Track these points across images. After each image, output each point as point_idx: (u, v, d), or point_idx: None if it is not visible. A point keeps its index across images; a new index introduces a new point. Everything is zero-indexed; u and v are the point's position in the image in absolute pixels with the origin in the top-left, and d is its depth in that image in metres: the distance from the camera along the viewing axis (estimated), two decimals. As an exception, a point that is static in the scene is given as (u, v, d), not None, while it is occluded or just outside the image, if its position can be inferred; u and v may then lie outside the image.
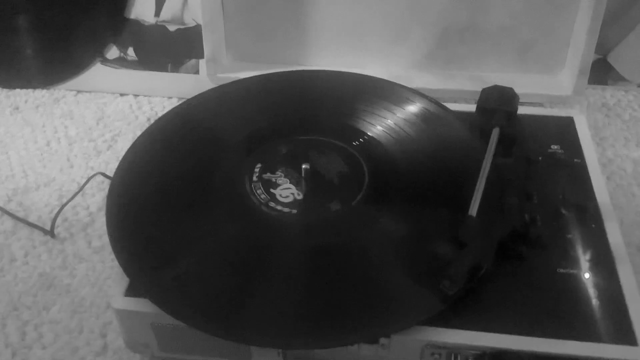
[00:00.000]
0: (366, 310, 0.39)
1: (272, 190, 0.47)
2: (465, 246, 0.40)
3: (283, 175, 0.48)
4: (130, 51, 0.72)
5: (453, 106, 0.55)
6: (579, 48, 0.64)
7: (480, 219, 0.42)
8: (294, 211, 0.45)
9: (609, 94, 0.71)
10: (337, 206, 0.45)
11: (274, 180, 0.48)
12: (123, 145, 0.67)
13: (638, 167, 0.61)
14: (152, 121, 0.63)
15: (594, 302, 0.40)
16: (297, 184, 0.47)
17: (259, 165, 0.49)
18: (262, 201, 0.46)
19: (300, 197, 0.46)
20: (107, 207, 0.46)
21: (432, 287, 0.39)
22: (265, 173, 0.48)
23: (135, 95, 0.73)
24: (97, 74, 0.73)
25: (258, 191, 0.46)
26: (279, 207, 0.45)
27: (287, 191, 0.47)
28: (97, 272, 0.53)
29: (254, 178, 0.47)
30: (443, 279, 0.38)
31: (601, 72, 0.70)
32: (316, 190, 0.47)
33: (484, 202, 0.43)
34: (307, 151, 0.50)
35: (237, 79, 0.59)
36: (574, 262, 0.43)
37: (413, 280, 0.40)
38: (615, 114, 0.68)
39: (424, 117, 0.52)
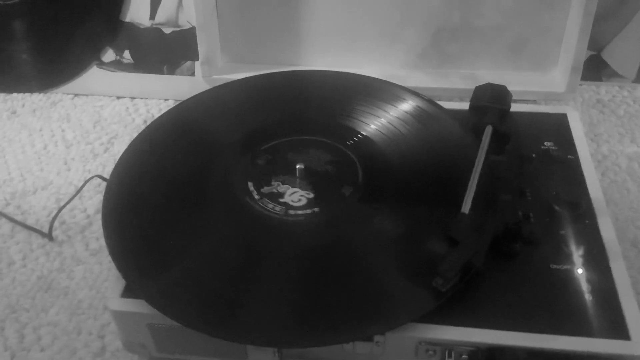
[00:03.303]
0: (360, 308, 0.39)
1: (281, 200, 0.47)
2: (458, 243, 0.40)
3: (281, 182, 0.48)
4: (126, 54, 0.72)
5: (447, 104, 0.55)
6: (571, 45, 0.64)
7: (473, 216, 0.43)
8: (316, 209, 0.45)
9: (604, 90, 0.71)
10: (350, 189, 0.46)
11: (275, 191, 0.48)
12: (120, 148, 0.67)
13: (632, 163, 0.62)
14: (148, 123, 0.63)
15: (587, 297, 0.40)
16: (300, 187, 0.47)
17: (250, 183, 0.48)
18: (278, 213, 0.46)
19: (311, 195, 0.47)
20: (104, 209, 0.47)
21: (425, 285, 0.39)
22: (262, 188, 0.48)
23: (132, 98, 0.74)
24: (94, 77, 0.74)
25: (269, 206, 0.46)
26: (300, 212, 0.45)
27: (296, 195, 0.47)
28: (95, 274, 0.54)
29: (256, 196, 0.47)
30: (436, 276, 0.39)
31: (595, 68, 0.71)
32: (321, 183, 0.47)
33: (477, 199, 0.44)
34: (296, 153, 0.50)
35: (231, 80, 0.59)
36: (567, 258, 0.43)
37: (406, 278, 0.41)
38: (609, 110, 0.69)
39: (418, 116, 0.53)
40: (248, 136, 0.52)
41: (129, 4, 0.70)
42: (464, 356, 0.39)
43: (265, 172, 0.49)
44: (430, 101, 0.54)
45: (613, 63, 0.70)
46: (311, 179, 0.48)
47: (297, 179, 0.48)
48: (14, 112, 0.73)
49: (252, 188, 0.47)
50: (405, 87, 0.56)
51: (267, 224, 0.45)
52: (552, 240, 0.44)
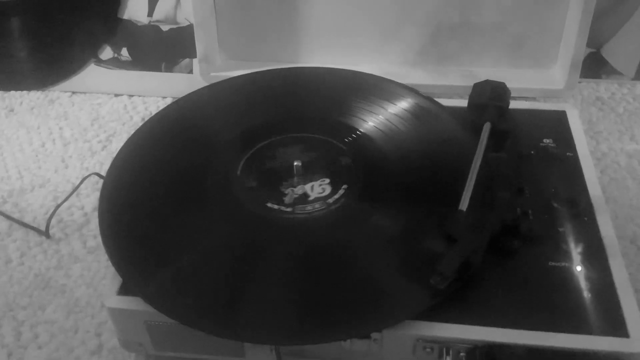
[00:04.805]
0: (358, 305, 0.39)
1: (309, 199, 0.46)
2: (456, 241, 0.40)
3: (292, 187, 0.47)
4: (124, 51, 0.72)
5: (446, 102, 0.55)
6: (570, 42, 0.64)
7: (472, 213, 0.42)
8: (345, 186, 0.46)
9: (603, 87, 0.71)
10: (347, 187, 0.46)
11: (297, 195, 0.46)
12: (118, 146, 0.67)
13: (632, 161, 0.61)
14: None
15: (586, 294, 0.40)
16: (311, 179, 0.47)
17: (247, 180, 0.47)
18: (256, 196, 0.45)
19: (327, 180, 0.46)
20: (100, 207, 0.46)
21: (423, 282, 0.39)
22: (283, 197, 0.46)
23: (130, 96, 0.73)
24: (92, 75, 0.73)
25: (307, 208, 0.45)
26: (317, 205, 0.45)
27: (319, 188, 0.47)
28: (92, 272, 0.53)
29: (277, 206, 0.46)
30: (433, 274, 0.39)
31: (595, 65, 0.70)
32: (308, 188, 0.47)
33: (475, 197, 0.43)
34: (286, 150, 0.50)
35: (230, 77, 0.59)
36: (566, 256, 0.43)
37: (404, 276, 0.40)
38: (609, 107, 0.69)
39: (416, 113, 0.53)
40: (245, 134, 0.52)
41: (127, 2, 0.70)
42: (462, 354, 0.39)
43: (263, 170, 0.49)
44: (429, 98, 0.54)
45: (612, 60, 0.70)
46: (309, 176, 0.48)
47: (295, 177, 0.48)
48: (11, 110, 0.73)
49: (250, 185, 0.47)
50: (403, 84, 0.55)
51: (264, 222, 0.45)
52: (550, 238, 0.44)
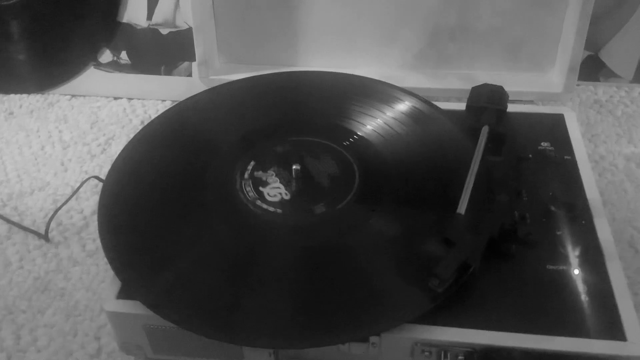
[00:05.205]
0: (356, 309, 0.39)
1: (261, 188, 0.47)
2: (454, 244, 0.40)
3: (274, 174, 0.48)
4: (124, 55, 0.72)
5: (444, 105, 0.55)
6: (568, 45, 0.64)
7: (470, 216, 0.43)
8: (279, 211, 0.46)
9: (601, 90, 0.71)
10: (322, 209, 0.46)
11: (264, 179, 0.48)
12: (117, 149, 0.67)
13: (630, 164, 0.62)
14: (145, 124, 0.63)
15: (584, 298, 0.40)
16: (286, 184, 0.48)
17: (252, 162, 0.49)
18: (250, 199, 0.46)
19: (287, 197, 0.47)
20: (99, 210, 0.47)
21: (421, 286, 0.39)
22: (258, 171, 0.48)
23: (129, 99, 0.74)
24: (91, 78, 0.74)
25: (247, 188, 0.46)
26: (264, 206, 0.46)
27: (275, 190, 0.47)
28: (91, 275, 0.54)
29: (246, 175, 0.47)
30: (432, 277, 0.39)
31: (593, 68, 0.71)
32: (304, 191, 0.47)
33: (473, 200, 0.44)
34: (299, 152, 0.50)
35: (229, 81, 0.59)
36: (564, 259, 0.43)
37: (402, 279, 0.41)
38: (607, 110, 0.69)
39: (414, 116, 0.53)
40: (244, 137, 0.52)
41: (126, 5, 0.70)
42: (460, 357, 0.39)
43: (261, 173, 0.49)
44: (427, 102, 0.54)
45: (610, 63, 0.70)
46: (303, 184, 0.48)
47: (294, 180, 0.48)
48: (11, 113, 0.73)
49: (249, 167, 0.48)
50: (401, 87, 0.56)
51: (263, 226, 0.45)
52: (548, 241, 0.44)
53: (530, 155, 0.51)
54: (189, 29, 0.69)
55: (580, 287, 0.41)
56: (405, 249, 0.43)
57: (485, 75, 0.68)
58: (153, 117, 0.70)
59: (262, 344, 0.39)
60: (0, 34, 0.72)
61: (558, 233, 0.44)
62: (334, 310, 0.39)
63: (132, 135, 0.53)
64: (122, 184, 0.49)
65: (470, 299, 0.40)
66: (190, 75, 0.72)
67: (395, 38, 0.68)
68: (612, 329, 0.39)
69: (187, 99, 0.57)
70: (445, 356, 0.39)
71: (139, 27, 0.71)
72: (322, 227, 0.45)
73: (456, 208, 0.43)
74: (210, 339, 0.39)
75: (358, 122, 0.53)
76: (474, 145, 0.48)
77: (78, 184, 0.61)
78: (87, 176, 0.63)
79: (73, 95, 0.74)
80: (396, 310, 0.39)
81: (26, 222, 0.59)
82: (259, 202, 0.46)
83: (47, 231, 0.56)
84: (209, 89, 0.58)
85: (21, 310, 0.51)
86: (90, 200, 0.61)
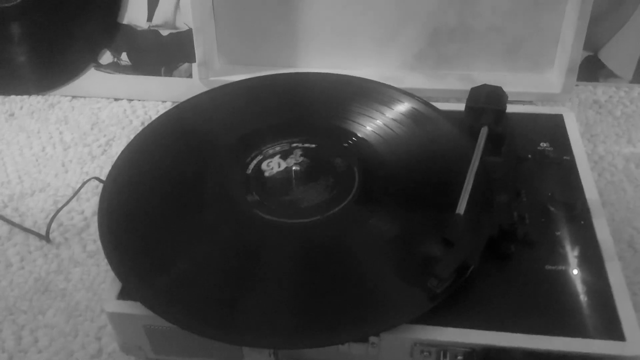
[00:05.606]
0: (356, 309, 0.39)
1: (260, 188, 0.48)
2: (453, 244, 0.40)
3: (274, 174, 0.49)
4: (124, 56, 0.73)
5: (443, 106, 0.55)
6: (567, 46, 0.64)
7: (469, 217, 0.43)
8: (279, 211, 0.46)
9: (601, 90, 0.71)
10: (322, 210, 0.46)
11: (264, 179, 0.48)
12: (117, 150, 0.67)
13: (629, 164, 0.62)
14: (145, 125, 0.63)
15: (582, 298, 0.41)
16: (286, 185, 0.48)
17: (252, 163, 0.49)
18: (249, 199, 0.46)
19: (287, 197, 0.47)
20: (99, 211, 0.47)
21: (420, 286, 0.39)
22: (257, 171, 0.49)
23: (129, 100, 0.74)
24: (91, 80, 0.74)
25: (247, 189, 0.46)
26: (264, 207, 0.46)
27: (274, 190, 0.47)
28: (92, 276, 0.54)
29: (246, 176, 0.47)
30: (431, 277, 0.39)
31: (592, 69, 0.71)
32: (304, 192, 0.47)
33: (472, 201, 0.44)
34: (298, 153, 0.50)
35: (229, 82, 0.59)
36: (563, 259, 0.43)
37: (401, 279, 0.41)
38: (606, 110, 0.69)
39: (414, 117, 0.53)
40: (244, 138, 0.52)
41: (126, 6, 0.70)
42: (459, 357, 0.39)
43: (261, 174, 0.49)
44: (426, 103, 0.54)
45: (610, 64, 0.70)
46: (306, 180, 0.48)
47: (293, 181, 0.48)
48: (11, 115, 0.73)
49: (247, 189, 0.48)
50: (401, 88, 0.56)
51: (263, 227, 0.45)
52: (547, 241, 0.44)
53: (530, 156, 0.51)
54: (189, 30, 0.69)
55: (579, 287, 0.41)
56: (405, 249, 0.43)
57: (485, 76, 0.68)
58: (153, 118, 0.71)
59: (262, 344, 0.39)
60: (1, 35, 0.72)
61: (557, 233, 0.44)
62: (333, 310, 0.39)
63: (132, 136, 0.53)
64: (122, 185, 0.49)
65: (470, 299, 0.40)
66: (190, 76, 0.72)
67: (395, 38, 0.69)
68: (611, 329, 0.39)
69: (187, 100, 0.57)
70: (445, 356, 0.39)
71: (139, 29, 0.71)
72: (322, 228, 0.45)
73: (455, 208, 0.43)
74: (210, 339, 0.39)
75: (358, 123, 0.53)
76: (473, 146, 0.48)
77: (79, 185, 0.61)
78: (87, 177, 0.63)
79: (74, 97, 0.75)
80: (396, 311, 0.39)
81: (27, 223, 0.59)
82: (258, 203, 0.46)
83: (47, 232, 0.57)
84: (209, 90, 0.58)
85: (22, 310, 0.51)
86: (91, 201, 0.61)
